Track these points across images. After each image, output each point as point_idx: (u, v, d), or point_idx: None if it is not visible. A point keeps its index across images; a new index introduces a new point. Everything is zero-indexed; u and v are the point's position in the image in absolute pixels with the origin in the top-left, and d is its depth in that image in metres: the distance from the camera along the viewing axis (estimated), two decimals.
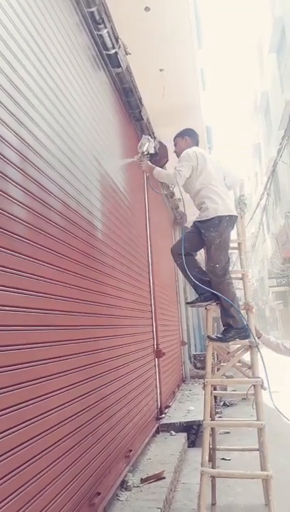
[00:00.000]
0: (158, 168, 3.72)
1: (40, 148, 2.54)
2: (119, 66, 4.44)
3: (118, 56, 4.28)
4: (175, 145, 3.86)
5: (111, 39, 4.05)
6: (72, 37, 3.38)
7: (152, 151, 3.83)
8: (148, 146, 3.76)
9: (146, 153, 3.75)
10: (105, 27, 3.89)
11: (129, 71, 4.70)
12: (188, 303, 3.61)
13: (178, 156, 3.72)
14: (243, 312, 3.52)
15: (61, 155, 2.86)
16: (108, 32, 3.97)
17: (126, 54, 4.53)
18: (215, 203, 3.39)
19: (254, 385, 3.23)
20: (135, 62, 4.82)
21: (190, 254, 3.55)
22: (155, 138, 3.75)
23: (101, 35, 3.96)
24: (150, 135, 4.63)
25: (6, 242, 2.02)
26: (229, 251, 3.61)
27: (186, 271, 3.43)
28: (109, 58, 4.28)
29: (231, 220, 3.44)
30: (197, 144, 3.82)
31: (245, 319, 3.48)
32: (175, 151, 3.85)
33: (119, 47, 4.24)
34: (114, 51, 4.18)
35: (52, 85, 2.81)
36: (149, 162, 3.79)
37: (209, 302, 3.51)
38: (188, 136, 3.80)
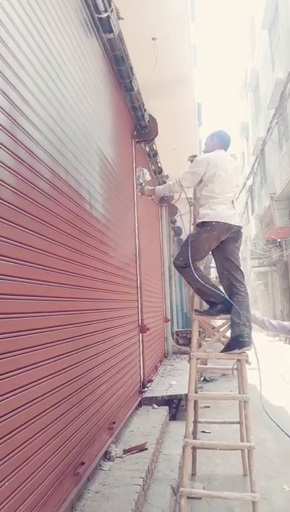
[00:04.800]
0: (158, 187, 4.04)
1: (30, 112, 2.43)
2: (111, 31, 4.26)
3: (110, 20, 4.10)
4: (205, 144, 3.91)
5: (103, 1, 3.87)
6: None
7: (149, 178, 4.21)
8: (142, 176, 4.20)
9: (144, 184, 4.16)
10: None
11: (120, 38, 4.53)
12: (196, 311, 3.66)
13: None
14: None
15: (50, 120, 2.75)
16: None
17: (119, 19, 4.35)
18: (208, 210, 3.46)
19: (239, 360, 3.27)
20: (127, 29, 4.65)
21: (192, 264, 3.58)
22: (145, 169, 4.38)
23: None
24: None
25: None
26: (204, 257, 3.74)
27: (201, 282, 3.51)
28: (100, 22, 4.10)
29: (218, 227, 3.42)
30: (225, 148, 3.77)
31: (223, 292, 3.52)
32: (203, 150, 3.95)
33: (112, 10, 4.05)
34: (106, 15, 4.00)
35: (42, 46, 2.68)
36: (149, 187, 4.15)
37: (220, 315, 3.58)
38: (216, 137, 3.80)
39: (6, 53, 2.17)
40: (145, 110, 6.04)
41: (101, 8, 3.93)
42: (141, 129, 6.27)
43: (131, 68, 5.05)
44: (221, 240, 3.48)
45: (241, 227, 3.58)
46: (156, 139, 6.85)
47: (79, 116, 3.42)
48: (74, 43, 3.39)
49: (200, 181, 3.58)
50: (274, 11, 16.43)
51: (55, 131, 2.83)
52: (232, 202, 3.60)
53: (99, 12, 3.97)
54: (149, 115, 6.32)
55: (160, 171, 8.78)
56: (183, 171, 3.70)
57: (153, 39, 5.56)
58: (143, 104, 5.91)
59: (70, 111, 3.17)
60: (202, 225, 3.46)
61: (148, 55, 5.64)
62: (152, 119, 6.38)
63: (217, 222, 3.42)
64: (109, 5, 4.00)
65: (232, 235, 3.50)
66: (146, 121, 6.21)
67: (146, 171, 4.19)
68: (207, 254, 3.64)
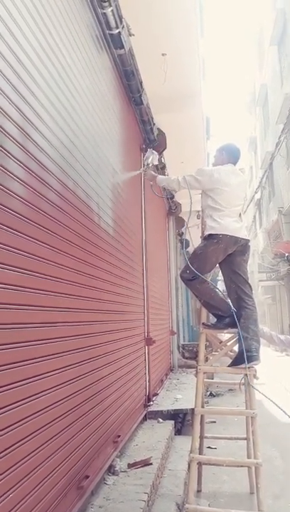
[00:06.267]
0: (160, 176, 4.16)
1: (41, 124, 2.47)
2: (122, 47, 4.34)
3: (121, 36, 4.18)
4: (214, 157, 3.94)
5: (115, 18, 3.95)
6: (76, 14, 3.29)
7: (156, 163, 4.37)
8: (152, 158, 4.31)
9: (150, 165, 4.28)
10: (110, 5, 3.79)
11: (131, 53, 4.60)
12: (204, 324, 3.66)
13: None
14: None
15: (61, 133, 2.79)
16: (112, 11, 3.87)
17: (130, 35, 4.43)
18: (215, 223, 3.47)
19: (246, 374, 3.23)
20: (137, 44, 4.73)
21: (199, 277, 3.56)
22: (159, 152, 4.38)
23: (105, 13, 3.85)
24: (154, 148, 5.21)
25: (3, 219, 1.96)
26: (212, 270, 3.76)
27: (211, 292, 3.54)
28: (112, 38, 4.18)
29: (225, 240, 3.42)
30: (234, 162, 3.76)
31: (231, 306, 3.51)
32: (213, 164, 3.95)
33: (123, 27, 4.13)
34: (117, 31, 4.08)
35: (54, 61, 2.73)
36: (153, 172, 4.26)
37: (228, 329, 3.58)
38: (225, 151, 3.80)
39: (20, 68, 2.21)
40: (154, 124, 6.11)
41: (113, 24, 4.01)
42: (149, 142, 6.33)
43: (140, 83, 5.12)
44: (228, 253, 3.47)
45: (248, 240, 3.57)
46: (165, 152, 6.91)
47: (89, 130, 3.47)
48: (85, 58, 3.45)
49: (202, 191, 3.64)
50: (283, 26, 16.62)
51: (66, 143, 2.87)
52: (240, 215, 3.60)
53: (110, 28, 4.05)
54: (158, 129, 6.39)
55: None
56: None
57: (163, 55, 5.66)
58: (152, 118, 5.98)
59: (80, 124, 3.22)
60: (209, 237, 3.46)
61: (158, 70, 5.73)
62: (161, 133, 6.44)
63: (224, 235, 3.42)
64: (120, 22, 4.08)
65: (239, 248, 3.49)
66: (155, 134, 6.28)
67: (156, 154, 4.28)
68: (214, 267, 3.64)
